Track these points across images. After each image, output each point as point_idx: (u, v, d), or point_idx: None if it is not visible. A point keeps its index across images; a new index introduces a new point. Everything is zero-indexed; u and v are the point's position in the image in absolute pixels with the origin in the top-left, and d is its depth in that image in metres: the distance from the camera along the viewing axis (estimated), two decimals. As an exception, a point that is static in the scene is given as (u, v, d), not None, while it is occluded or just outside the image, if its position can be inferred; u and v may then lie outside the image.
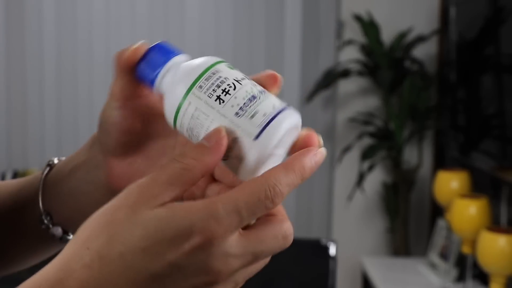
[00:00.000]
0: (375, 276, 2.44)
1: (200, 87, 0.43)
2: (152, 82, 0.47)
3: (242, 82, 0.44)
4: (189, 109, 0.44)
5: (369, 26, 2.73)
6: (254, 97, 0.43)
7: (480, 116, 2.32)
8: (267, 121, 0.42)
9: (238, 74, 0.45)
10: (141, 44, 0.49)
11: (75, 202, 0.56)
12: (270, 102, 0.43)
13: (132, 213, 0.39)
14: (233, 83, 0.43)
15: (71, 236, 0.58)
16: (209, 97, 0.43)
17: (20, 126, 3.06)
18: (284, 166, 0.40)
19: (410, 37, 2.79)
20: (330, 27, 2.98)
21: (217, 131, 0.42)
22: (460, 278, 2.21)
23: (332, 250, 1.75)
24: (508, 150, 2.03)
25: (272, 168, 0.40)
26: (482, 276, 2.11)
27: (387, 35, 2.80)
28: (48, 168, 0.58)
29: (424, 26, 2.85)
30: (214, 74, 0.44)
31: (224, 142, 0.41)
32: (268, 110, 0.42)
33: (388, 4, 2.89)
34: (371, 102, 2.90)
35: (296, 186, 0.40)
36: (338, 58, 2.94)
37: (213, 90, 0.43)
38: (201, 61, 0.45)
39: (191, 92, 0.44)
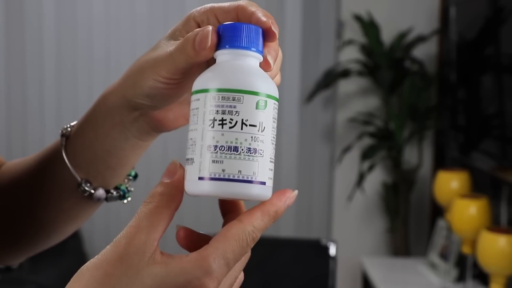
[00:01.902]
0: (375, 276, 2.44)
1: (213, 98, 0.43)
2: (219, 47, 0.46)
3: (246, 128, 0.42)
4: (194, 102, 0.44)
5: (369, 26, 2.73)
6: (236, 148, 0.42)
7: (480, 116, 2.32)
8: (217, 177, 0.42)
9: (258, 119, 0.43)
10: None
11: (113, 158, 0.57)
12: (247, 165, 0.42)
13: (127, 267, 0.40)
14: (236, 122, 0.42)
15: (115, 193, 0.60)
16: (209, 112, 0.43)
17: (20, 126, 3.06)
18: (261, 209, 0.43)
19: (410, 37, 2.79)
20: (330, 27, 2.98)
21: (173, 165, 0.44)
22: (460, 278, 2.21)
23: (332, 250, 1.75)
24: (508, 150, 2.03)
25: (251, 212, 0.43)
26: (482, 276, 2.11)
27: (387, 35, 2.80)
28: (64, 140, 0.58)
29: (424, 26, 2.85)
30: (234, 99, 0.43)
31: (180, 173, 0.44)
32: (232, 170, 0.42)
33: (388, 4, 2.89)
34: (371, 102, 2.90)
35: (267, 228, 0.44)
36: (338, 58, 2.94)
37: (217, 111, 0.43)
38: (243, 79, 0.43)
39: (206, 92, 0.44)
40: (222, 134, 0.42)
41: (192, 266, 0.40)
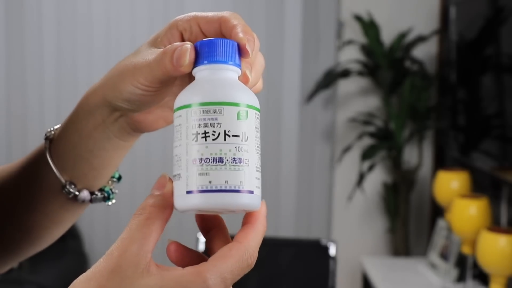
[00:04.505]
0: (375, 276, 2.44)
1: (195, 112, 0.44)
2: (197, 63, 0.47)
3: (229, 139, 0.43)
4: (177, 119, 0.45)
5: (369, 26, 2.73)
6: (221, 159, 0.42)
7: (480, 116, 2.32)
8: (204, 189, 0.42)
9: (240, 129, 0.43)
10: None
11: (96, 159, 0.57)
12: (234, 175, 0.42)
13: (120, 280, 0.40)
14: (218, 133, 0.43)
15: (99, 195, 0.60)
16: (192, 127, 0.43)
17: (19, 126, 3.06)
18: (253, 228, 0.44)
19: (410, 37, 2.79)
20: (330, 27, 2.98)
21: (163, 178, 0.45)
22: (460, 278, 2.21)
23: (332, 250, 1.75)
24: (508, 150, 2.03)
25: (245, 231, 0.43)
26: (482, 277, 2.11)
27: (387, 35, 2.80)
28: (48, 143, 0.59)
29: (424, 26, 2.84)
30: (215, 112, 0.43)
31: (170, 186, 0.44)
32: (218, 180, 0.42)
33: (388, 4, 2.89)
34: (371, 102, 2.90)
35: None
36: (338, 58, 2.94)
37: (199, 125, 0.43)
38: (222, 92, 0.44)
39: (188, 108, 0.44)
40: (206, 147, 0.43)
41: (188, 280, 0.40)
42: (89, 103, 0.55)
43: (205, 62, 0.46)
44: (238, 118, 0.43)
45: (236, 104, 0.44)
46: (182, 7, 2.99)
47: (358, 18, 2.75)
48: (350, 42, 2.81)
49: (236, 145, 0.43)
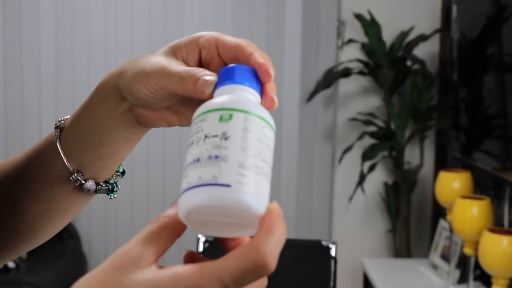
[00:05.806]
0: (376, 277, 2.42)
1: (191, 128, 0.46)
2: (218, 84, 0.49)
3: (208, 140, 0.43)
4: None
5: (370, 25, 2.71)
6: (198, 159, 0.43)
7: (482, 116, 2.30)
8: (184, 189, 0.43)
9: (220, 129, 0.44)
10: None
11: (105, 148, 0.59)
12: (207, 171, 0.42)
13: (121, 274, 0.41)
14: (200, 138, 0.44)
15: (104, 186, 0.62)
16: (190, 137, 0.46)
17: (17, 126, 3.05)
18: (268, 230, 0.42)
19: (412, 36, 2.77)
20: (330, 26, 2.96)
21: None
22: (462, 279, 2.19)
23: (333, 252, 1.73)
24: (511, 150, 2.01)
25: (258, 235, 0.42)
26: (484, 278, 2.09)
27: (388, 34, 2.78)
28: (58, 131, 0.61)
29: (426, 25, 2.83)
30: (201, 121, 0.45)
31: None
32: (193, 178, 0.43)
33: (389, 2, 2.87)
34: (372, 102, 2.89)
35: (282, 244, 0.42)
36: (339, 58, 2.92)
37: (191, 137, 0.45)
38: (213, 102, 0.45)
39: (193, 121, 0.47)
40: (190, 153, 0.44)
41: (183, 276, 0.40)
42: (104, 89, 0.57)
43: (222, 85, 0.49)
44: (220, 120, 0.44)
45: (219, 109, 0.44)
46: (182, 6, 2.97)
47: (359, 17, 2.74)
48: (350, 41, 2.80)
49: (213, 144, 0.43)
